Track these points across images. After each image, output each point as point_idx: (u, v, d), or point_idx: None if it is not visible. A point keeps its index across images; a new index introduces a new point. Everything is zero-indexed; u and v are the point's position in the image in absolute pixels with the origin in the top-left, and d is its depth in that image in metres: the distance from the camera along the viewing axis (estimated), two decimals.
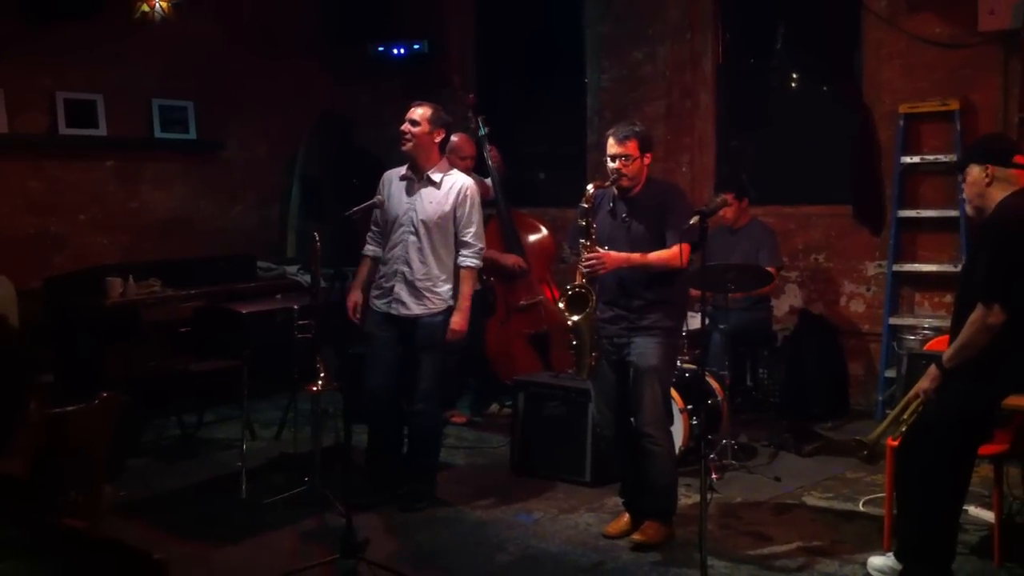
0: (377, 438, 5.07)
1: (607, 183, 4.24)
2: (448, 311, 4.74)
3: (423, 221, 4.71)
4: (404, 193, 4.78)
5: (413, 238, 4.72)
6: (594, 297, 4.17)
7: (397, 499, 4.85)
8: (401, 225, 4.74)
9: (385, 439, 5.02)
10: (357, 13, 7.73)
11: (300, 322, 5.07)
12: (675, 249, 4.06)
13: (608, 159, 4.25)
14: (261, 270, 7.27)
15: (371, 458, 5.11)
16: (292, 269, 7.37)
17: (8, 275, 5.76)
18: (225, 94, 7.41)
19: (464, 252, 4.77)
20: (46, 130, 6.51)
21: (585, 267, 4.16)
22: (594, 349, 4.24)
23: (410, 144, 4.73)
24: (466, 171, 6.22)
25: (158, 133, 7.09)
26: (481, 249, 4.84)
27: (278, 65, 7.64)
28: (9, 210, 6.34)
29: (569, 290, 4.22)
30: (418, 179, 4.78)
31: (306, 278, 6.86)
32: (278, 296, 6.00)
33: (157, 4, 5.85)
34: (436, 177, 4.77)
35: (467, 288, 4.76)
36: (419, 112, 4.74)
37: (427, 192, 4.74)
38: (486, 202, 6.48)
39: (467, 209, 4.76)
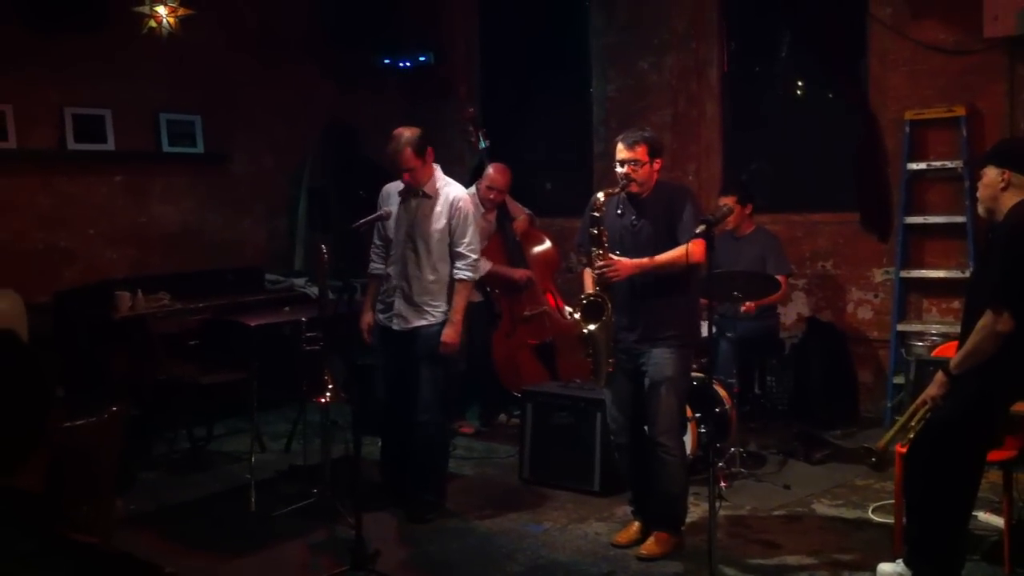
0: (389, 449, 5.14)
1: (617, 190, 4.24)
2: (446, 323, 4.78)
3: (420, 236, 4.76)
4: (403, 209, 4.84)
5: (411, 253, 4.77)
6: (609, 305, 4.15)
7: (407, 509, 4.87)
8: (401, 241, 4.80)
9: (396, 450, 5.06)
10: (361, 23, 7.76)
11: (308, 334, 5.09)
12: (681, 248, 4.07)
13: (617, 164, 4.24)
14: (269, 282, 7.29)
15: (384, 469, 5.18)
16: (300, 281, 7.37)
17: (18, 289, 5.77)
18: (232, 107, 7.43)
19: (459, 264, 4.80)
20: (55, 145, 6.53)
21: (598, 274, 4.16)
22: (611, 356, 4.23)
23: (410, 176, 4.74)
24: (492, 203, 6.22)
25: (166, 147, 7.11)
26: (476, 260, 4.87)
27: (283, 77, 7.66)
28: (19, 225, 6.36)
29: (584, 299, 4.21)
30: (414, 194, 4.82)
31: (314, 290, 6.88)
32: (286, 308, 6.01)
33: (164, 19, 5.86)
34: (431, 191, 4.82)
35: (460, 301, 4.80)
36: (403, 138, 4.73)
37: (423, 206, 4.80)
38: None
39: (461, 220, 4.80)
